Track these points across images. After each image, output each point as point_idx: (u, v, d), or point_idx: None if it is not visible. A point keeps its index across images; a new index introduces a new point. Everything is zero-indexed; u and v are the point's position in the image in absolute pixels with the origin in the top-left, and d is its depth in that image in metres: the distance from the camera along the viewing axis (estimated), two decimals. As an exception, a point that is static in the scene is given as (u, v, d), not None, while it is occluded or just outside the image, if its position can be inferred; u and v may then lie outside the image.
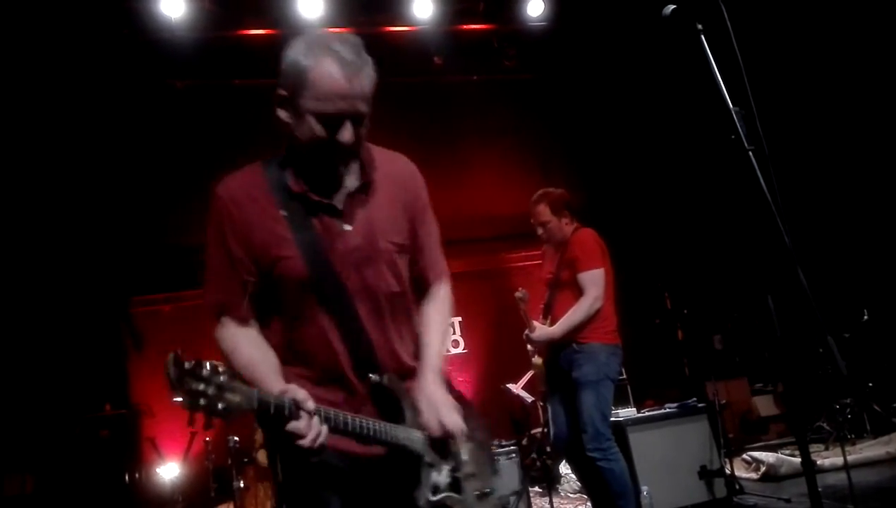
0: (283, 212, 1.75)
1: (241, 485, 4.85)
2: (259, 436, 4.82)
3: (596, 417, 3.86)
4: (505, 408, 6.94)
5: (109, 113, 6.77)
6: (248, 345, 1.76)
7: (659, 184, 8.07)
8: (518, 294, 4.17)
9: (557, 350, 4.09)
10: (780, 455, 5.57)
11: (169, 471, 6.04)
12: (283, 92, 1.73)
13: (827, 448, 6.01)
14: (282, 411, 1.51)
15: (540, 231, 4.25)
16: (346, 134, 1.69)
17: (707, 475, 4.70)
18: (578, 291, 4.04)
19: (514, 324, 7.89)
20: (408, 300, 1.94)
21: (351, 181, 1.83)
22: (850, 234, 7.26)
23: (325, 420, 1.59)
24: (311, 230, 1.76)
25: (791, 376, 4.93)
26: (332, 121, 1.68)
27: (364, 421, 1.68)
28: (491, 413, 7.32)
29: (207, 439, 5.18)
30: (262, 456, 4.79)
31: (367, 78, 1.74)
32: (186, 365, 1.37)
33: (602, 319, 4.04)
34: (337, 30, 7.20)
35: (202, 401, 1.37)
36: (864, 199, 7.19)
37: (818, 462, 5.15)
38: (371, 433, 1.68)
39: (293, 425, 1.53)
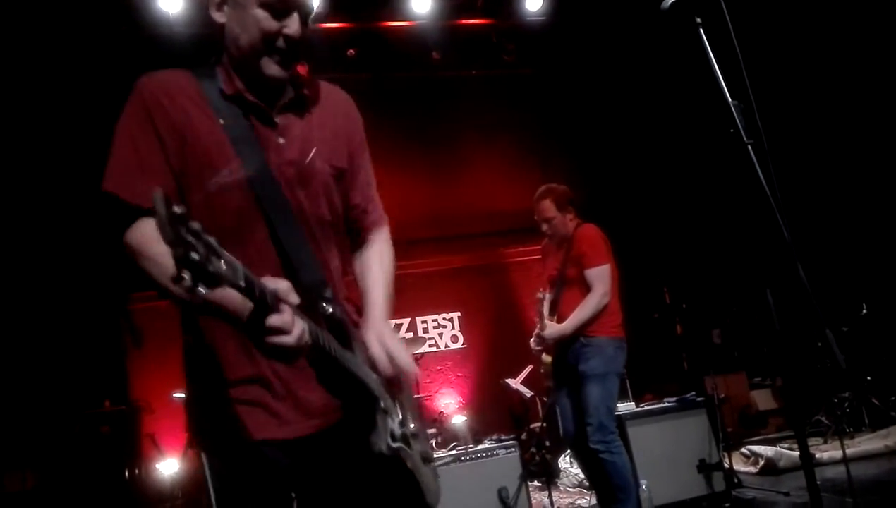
0: (219, 118, 1.58)
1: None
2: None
3: (601, 410, 3.90)
4: (504, 403, 6.97)
5: (108, 109, 6.73)
6: None
7: (658, 178, 8.07)
8: (539, 295, 4.17)
9: (565, 345, 4.12)
10: (778, 448, 5.58)
11: (168, 467, 6.05)
12: None
13: (826, 442, 6.02)
14: (265, 299, 1.26)
15: (545, 227, 4.25)
16: (294, 25, 1.57)
17: (706, 468, 4.71)
18: (585, 287, 4.07)
19: (514, 319, 7.96)
20: (339, 233, 1.78)
21: (287, 94, 1.68)
22: (849, 228, 7.27)
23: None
24: (249, 136, 1.59)
25: (790, 370, 4.93)
26: (280, 12, 1.56)
27: (333, 341, 1.48)
28: (490, 407, 7.34)
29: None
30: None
31: None
32: (176, 209, 1.05)
33: (609, 314, 4.08)
34: (336, 25, 7.23)
35: (194, 255, 1.06)
36: (863, 193, 7.20)
37: (817, 456, 5.17)
38: (339, 357, 1.49)
39: (276, 318, 1.28)
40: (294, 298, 1.33)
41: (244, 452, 1.55)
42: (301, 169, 1.64)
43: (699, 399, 5.01)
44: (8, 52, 6.12)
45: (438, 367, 7.80)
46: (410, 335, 7.59)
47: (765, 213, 1.83)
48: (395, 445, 1.58)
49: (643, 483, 4.37)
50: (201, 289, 1.07)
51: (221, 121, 1.58)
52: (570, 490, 5.76)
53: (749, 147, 1.87)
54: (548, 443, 6.18)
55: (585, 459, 4.18)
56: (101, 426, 6.02)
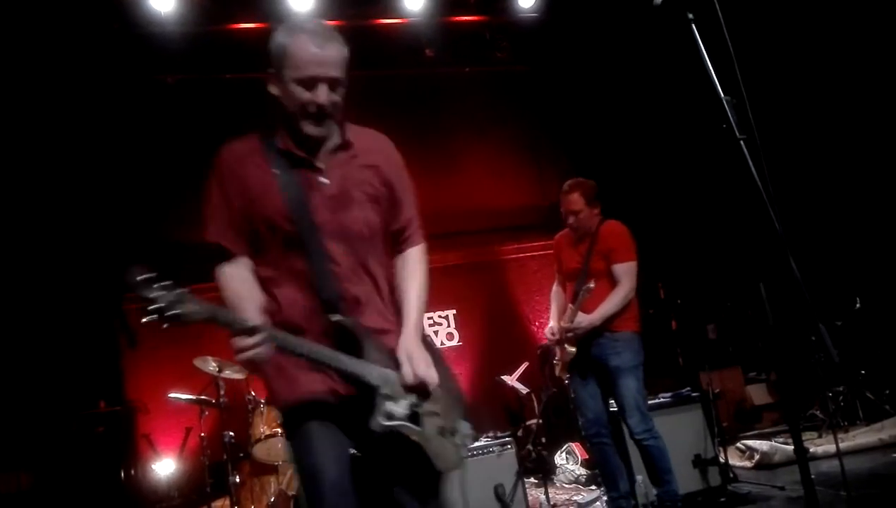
0: (274, 169, 2.07)
1: (237, 480, 4.86)
2: (254, 431, 4.82)
3: (640, 401, 4.11)
4: (500, 400, 6.97)
5: (101, 108, 6.73)
6: (238, 283, 2.06)
7: (652, 174, 8.07)
8: (590, 285, 4.13)
9: (588, 338, 4.19)
10: (773, 443, 5.60)
11: (164, 467, 6.04)
12: (271, 71, 2.08)
13: (820, 436, 6.04)
14: (231, 325, 1.80)
15: (571, 219, 4.32)
16: (322, 94, 2.01)
17: (701, 463, 4.72)
18: (611, 281, 4.20)
19: (509, 317, 7.96)
20: (379, 247, 2.19)
21: (332, 142, 2.13)
22: (843, 222, 7.28)
23: (274, 338, 1.87)
24: (295, 181, 2.07)
25: (784, 364, 4.95)
26: (309, 84, 2.01)
27: (317, 347, 1.95)
28: (486, 404, 7.34)
29: (203, 434, 5.17)
30: (257, 451, 4.79)
31: (336, 48, 2.05)
32: (146, 275, 1.66)
33: (632, 309, 4.26)
34: (329, 23, 7.22)
35: (154, 306, 1.65)
36: (855, 188, 7.21)
37: (811, 450, 5.19)
38: (323, 359, 1.95)
39: (235, 339, 1.81)
40: (248, 323, 1.83)
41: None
42: (340, 199, 2.09)
43: (694, 394, 5.02)
44: (-1, 52, 6.09)
45: (434, 365, 7.79)
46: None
47: (758, 208, 1.84)
48: (388, 423, 1.97)
49: (639, 478, 4.38)
50: (165, 324, 1.68)
51: (276, 171, 2.07)
52: (567, 486, 5.77)
53: (741, 142, 1.88)
54: (544, 440, 6.20)
55: (602, 449, 4.30)
56: (97, 426, 6.00)
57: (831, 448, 5.27)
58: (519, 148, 8.39)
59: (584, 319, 4.14)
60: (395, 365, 2.07)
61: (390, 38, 7.58)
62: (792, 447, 4.39)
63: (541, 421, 6.16)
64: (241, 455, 4.97)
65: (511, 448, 4.48)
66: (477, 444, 4.53)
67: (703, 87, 1.93)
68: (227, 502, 4.92)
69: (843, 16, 6.75)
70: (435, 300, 7.89)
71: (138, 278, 1.64)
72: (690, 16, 1.99)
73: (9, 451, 5.71)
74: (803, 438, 2.00)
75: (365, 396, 1.99)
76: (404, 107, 7.92)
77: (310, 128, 2.05)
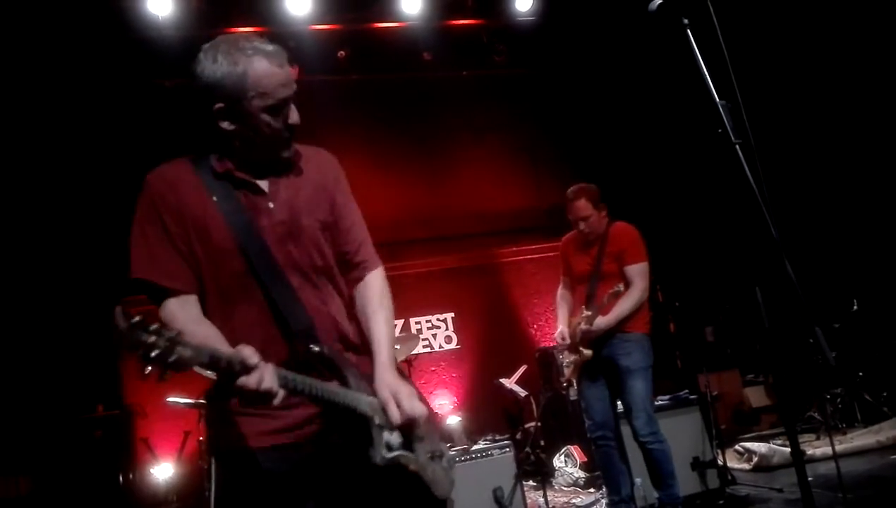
0: (212, 196, 1.84)
1: (236, 484, 4.85)
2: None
3: (647, 403, 4.08)
4: (498, 403, 6.97)
5: (99, 113, 6.73)
6: (196, 325, 1.77)
7: (649, 178, 8.09)
8: (619, 288, 4.12)
9: (599, 339, 4.20)
10: (771, 445, 5.61)
11: (163, 471, 6.03)
12: (220, 105, 1.81)
13: (818, 438, 6.05)
14: (234, 366, 1.56)
15: (581, 225, 4.29)
16: (295, 115, 1.86)
17: (700, 466, 4.72)
18: (623, 283, 4.17)
19: (507, 319, 7.98)
20: (333, 276, 1.99)
21: (275, 162, 1.93)
22: (840, 225, 7.30)
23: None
24: (238, 208, 1.85)
25: (781, 367, 4.95)
26: (281, 109, 1.82)
27: (312, 381, 1.73)
28: (485, 408, 7.35)
29: (201, 438, 5.17)
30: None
31: (289, 62, 1.86)
32: (136, 318, 1.41)
33: (644, 310, 4.24)
34: (326, 27, 7.22)
35: (154, 352, 1.40)
36: (851, 191, 7.23)
37: (809, 452, 5.19)
38: (318, 393, 1.74)
39: (242, 379, 1.58)
40: (253, 360, 1.59)
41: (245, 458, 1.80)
42: (290, 227, 1.88)
43: (693, 396, 5.03)
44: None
45: (433, 368, 7.79)
46: (404, 335, 7.58)
47: (754, 212, 1.84)
48: (390, 455, 1.84)
49: (637, 481, 4.38)
50: (169, 369, 1.43)
51: (214, 198, 1.84)
52: (565, 488, 5.77)
53: (737, 147, 1.89)
54: (542, 443, 6.20)
55: (606, 452, 4.28)
56: (95, 430, 6.00)
57: (829, 450, 5.29)
58: (517, 151, 8.40)
59: (601, 321, 4.13)
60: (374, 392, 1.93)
61: (388, 41, 7.60)
62: (790, 449, 4.40)
63: (539, 423, 6.17)
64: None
65: (510, 450, 4.48)
66: (476, 447, 4.54)
67: (699, 92, 1.94)
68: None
69: (838, 20, 6.77)
70: (433, 303, 7.97)
71: (131, 322, 1.40)
72: (685, 21, 2.00)
73: (7, 456, 5.71)
74: (801, 440, 2.01)
75: (348, 427, 1.84)
76: (402, 111, 7.94)
77: (286, 153, 1.89)
